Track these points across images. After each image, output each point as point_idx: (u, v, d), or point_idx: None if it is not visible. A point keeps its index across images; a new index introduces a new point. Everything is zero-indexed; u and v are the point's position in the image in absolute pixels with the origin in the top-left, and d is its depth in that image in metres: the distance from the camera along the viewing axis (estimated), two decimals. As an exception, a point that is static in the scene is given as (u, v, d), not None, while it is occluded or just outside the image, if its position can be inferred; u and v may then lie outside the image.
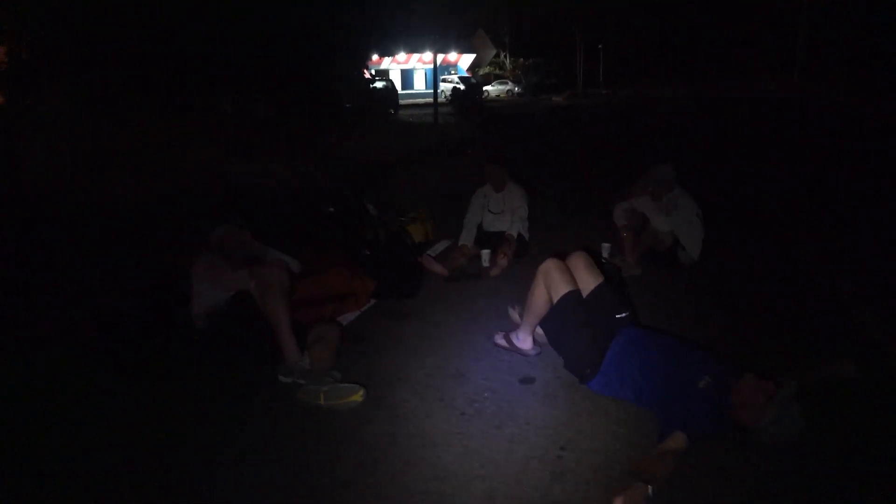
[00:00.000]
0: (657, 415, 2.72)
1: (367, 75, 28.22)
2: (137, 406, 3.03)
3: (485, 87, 38.49)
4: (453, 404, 2.96)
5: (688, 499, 2.32)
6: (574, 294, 3.12)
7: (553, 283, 3.17)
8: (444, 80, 37.31)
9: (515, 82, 43.17)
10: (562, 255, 3.33)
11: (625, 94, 31.98)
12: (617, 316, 3.15)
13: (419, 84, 44.38)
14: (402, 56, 42.46)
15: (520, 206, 5.21)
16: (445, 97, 30.13)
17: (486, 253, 5.00)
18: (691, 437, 2.51)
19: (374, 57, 37.43)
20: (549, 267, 3.22)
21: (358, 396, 2.95)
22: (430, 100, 31.45)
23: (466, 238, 5.18)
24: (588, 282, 3.22)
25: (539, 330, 3.39)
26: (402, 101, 29.86)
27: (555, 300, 3.16)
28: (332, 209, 5.65)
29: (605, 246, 5.00)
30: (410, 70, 44.46)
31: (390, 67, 42.42)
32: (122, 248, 5.50)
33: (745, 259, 5.06)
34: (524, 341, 3.45)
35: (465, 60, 45.77)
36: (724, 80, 41.90)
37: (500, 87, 42.05)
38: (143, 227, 6.45)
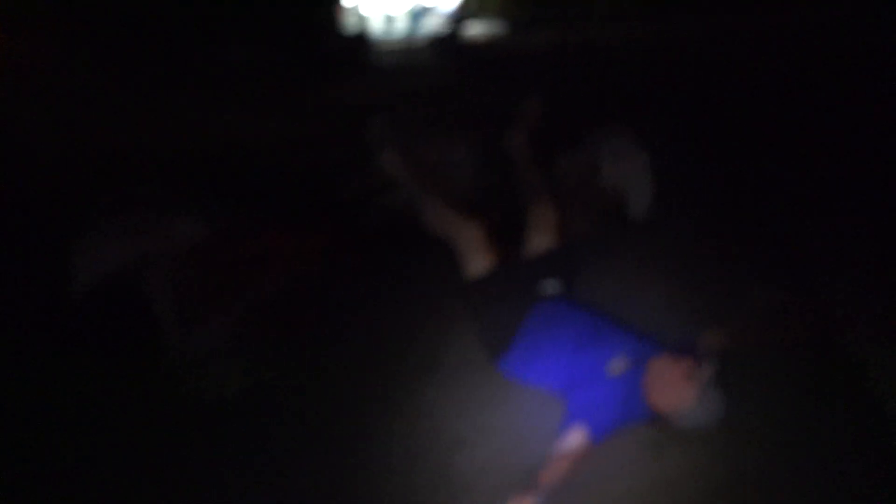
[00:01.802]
0: (564, 405, 2.46)
1: (345, 17, 27.33)
2: None
3: (469, 27, 37.43)
4: (344, 394, 2.69)
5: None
6: (494, 276, 2.78)
7: (468, 253, 2.81)
8: (425, 19, 36.25)
9: (503, 19, 42.00)
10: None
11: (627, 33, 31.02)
12: (547, 287, 2.85)
13: (401, 27, 43.27)
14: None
15: None
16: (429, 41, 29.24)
17: None
18: (593, 432, 2.25)
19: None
20: (469, 231, 2.82)
21: (245, 383, 2.70)
22: (413, 44, 30.67)
23: None
24: (541, 243, 2.96)
25: None
26: (381, 47, 29.04)
27: (468, 273, 2.80)
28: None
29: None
30: (390, 14, 43.28)
31: (368, 12, 41.24)
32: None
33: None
34: None
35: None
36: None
37: (487, 26, 40.95)
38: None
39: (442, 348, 3.01)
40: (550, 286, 2.83)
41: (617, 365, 2.42)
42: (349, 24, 24.74)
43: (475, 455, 2.31)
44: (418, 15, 22.83)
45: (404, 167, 2.85)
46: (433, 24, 33.73)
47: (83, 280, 3.07)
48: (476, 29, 37.65)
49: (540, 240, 2.98)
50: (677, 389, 2.28)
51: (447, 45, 25.78)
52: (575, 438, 2.23)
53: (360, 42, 24.89)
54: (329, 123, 8.00)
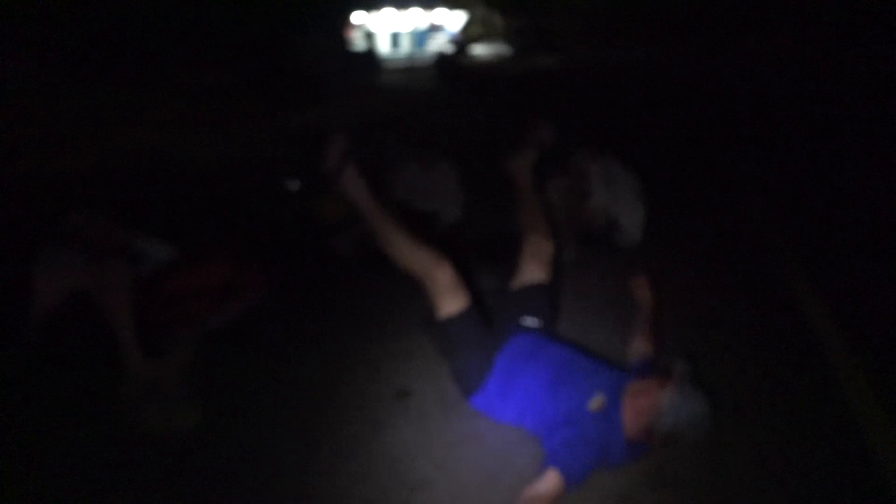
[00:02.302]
0: (541, 444, 2.29)
1: (353, 35, 27.41)
2: None
3: (473, 49, 37.52)
4: (303, 429, 2.51)
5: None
6: (466, 313, 2.56)
7: (441, 294, 2.55)
8: (432, 40, 36.42)
9: (505, 43, 42.01)
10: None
11: (621, 56, 30.70)
12: (525, 321, 2.69)
13: (407, 45, 43.38)
14: (389, 16, 41.34)
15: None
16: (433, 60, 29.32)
17: None
18: (569, 479, 2.08)
19: (360, 18, 36.43)
20: (439, 276, 2.54)
21: (191, 417, 2.52)
22: (419, 63, 30.76)
23: None
24: (532, 274, 2.80)
25: None
26: (388, 66, 29.05)
27: (441, 315, 2.57)
28: (253, 185, 5.16)
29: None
30: (398, 32, 43.40)
31: (377, 30, 41.36)
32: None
33: (701, 247, 4.46)
34: None
35: (457, 21, 44.61)
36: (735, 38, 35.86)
37: (489, 49, 40.96)
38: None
39: (409, 382, 2.83)
40: (530, 320, 2.68)
41: (596, 402, 2.26)
42: (357, 42, 24.79)
43: (436, 497, 2.12)
44: (423, 35, 22.93)
45: (365, 192, 2.64)
46: (438, 45, 33.90)
47: (36, 306, 2.93)
48: (479, 51, 37.73)
49: (530, 271, 2.82)
50: (649, 409, 2.15)
51: (450, 65, 25.88)
52: (549, 482, 2.06)
53: (368, 59, 24.97)
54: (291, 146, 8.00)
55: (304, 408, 2.65)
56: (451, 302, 2.55)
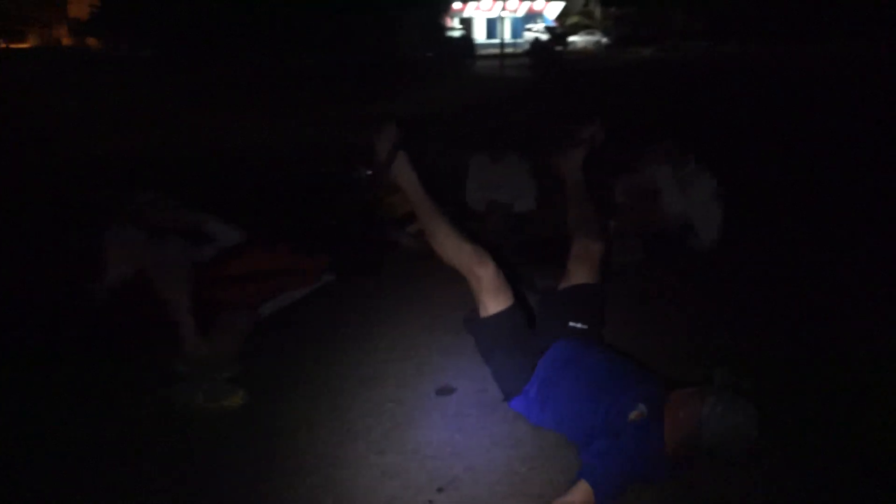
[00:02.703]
0: (578, 452, 2.23)
1: (449, 23, 27.46)
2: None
3: (570, 38, 36.82)
4: (345, 417, 2.54)
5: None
6: (507, 313, 2.53)
7: (485, 293, 2.53)
8: (528, 30, 36.05)
9: (604, 33, 41.03)
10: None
11: (728, 51, 29.22)
12: (571, 324, 2.62)
13: (505, 33, 43.11)
14: (486, 3, 41.16)
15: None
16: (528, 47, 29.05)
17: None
18: (600, 493, 2.01)
19: (458, 4, 36.50)
20: (482, 275, 2.50)
21: (237, 399, 2.60)
22: (515, 50, 30.53)
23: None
24: (580, 276, 2.71)
25: None
26: (484, 52, 28.98)
27: (485, 313, 2.55)
28: (326, 171, 5.25)
29: (610, 225, 4.38)
30: (495, 18, 43.16)
31: (474, 15, 41.29)
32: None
33: (779, 258, 4.17)
34: None
35: (553, 9, 43.96)
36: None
37: (587, 38, 40.02)
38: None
39: (453, 380, 2.81)
40: (576, 324, 2.61)
41: (637, 413, 2.17)
42: (454, 29, 24.85)
43: (462, 499, 2.09)
44: (520, 22, 22.75)
45: (415, 183, 2.63)
46: (534, 33, 33.57)
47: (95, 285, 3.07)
48: (576, 40, 36.94)
49: (577, 273, 2.74)
50: (686, 424, 2.04)
51: (544, 53, 25.53)
52: (579, 494, 2.00)
53: (463, 46, 25.02)
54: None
55: (345, 398, 2.68)
56: (493, 301, 2.51)
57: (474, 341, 2.71)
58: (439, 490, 2.13)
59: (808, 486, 2.10)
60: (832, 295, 3.52)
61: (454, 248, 2.55)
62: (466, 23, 34.79)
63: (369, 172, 4.96)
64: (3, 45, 21.39)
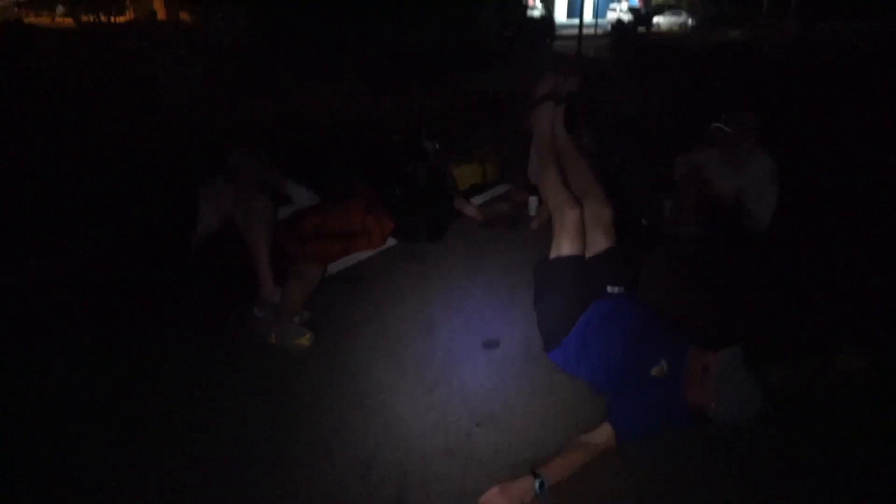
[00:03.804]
0: (606, 401, 2.45)
1: (531, 2, 27.28)
2: (104, 338, 3.10)
3: (654, 18, 35.92)
4: (400, 359, 2.84)
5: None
6: (575, 260, 2.79)
7: (565, 233, 2.81)
8: (611, 10, 35.37)
9: (690, 13, 39.79)
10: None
11: (822, 31, 27.78)
12: (608, 288, 2.83)
13: (587, 13, 42.38)
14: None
15: None
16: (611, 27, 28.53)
17: (533, 200, 4.68)
18: (621, 433, 2.23)
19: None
20: (569, 215, 2.81)
21: (305, 340, 2.92)
22: (594, 31, 30.03)
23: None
24: (599, 242, 2.88)
25: None
26: (563, 32, 28.68)
27: (557, 253, 2.82)
28: (397, 138, 5.53)
29: (667, 202, 4.51)
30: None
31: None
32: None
33: (836, 247, 4.17)
34: None
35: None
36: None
37: (672, 19, 38.89)
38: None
39: (500, 333, 3.07)
40: (612, 288, 2.80)
41: (659, 369, 2.37)
42: (535, 8, 24.60)
43: (497, 431, 2.35)
44: (603, 2, 22.39)
45: (547, 126, 3.13)
46: (618, 12, 32.70)
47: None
48: (661, 20, 35.87)
49: (596, 239, 2.90)
50: (700, 382, 2.24)
51: (627, 34, 25.04)
52: (602, 434, 2.23)
53: (544, 26, 24.79)
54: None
55: (401, 344, 2.98)
56: (569, 243, 2.79)
57: (533, 288, 2.93)
58: (478, 424, 2.40)
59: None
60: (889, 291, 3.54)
61: (555, 188, 2.93)
62: (548, 1, 34.36)
63: (437, 145, 5.24)
64: (105, 19, 22.48)
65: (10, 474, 2.16)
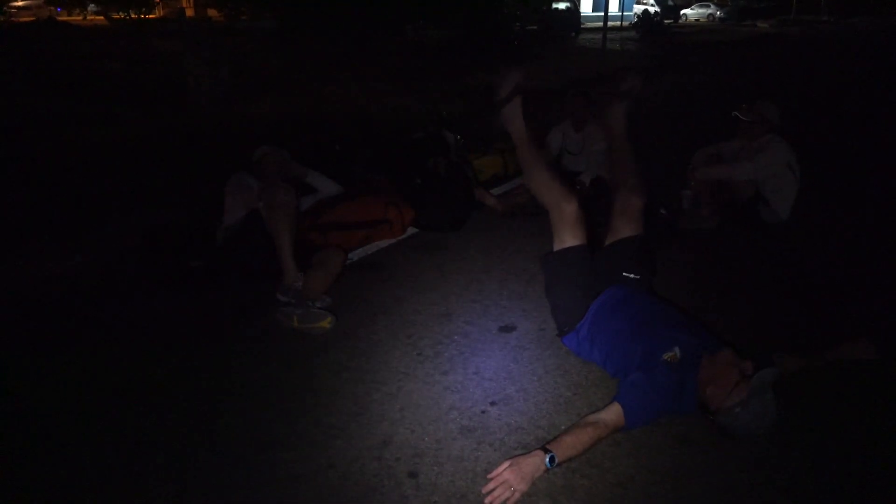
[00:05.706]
0: (618, 384, 2.49)
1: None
2: (136, 323, 3.21)
3: (682, 11, 35.53)
4: (417, 344, 2.91)
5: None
6: (581, 249, 2.84)
7: (565, 226, 2.85)
8: (638, 2, 35.02)
9: (719, 5, 39.29)
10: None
11: (852, 23, 27.18)
12: (624, 274, 2.87)
13: (613, 6, 41.99)
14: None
15: (598, 151, 4.84)
16: (637, 18, 28.32)
17: (686, 194, 4.65)
18: (630, 416, 2.27)
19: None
20: (566, 209, 2.83)
21: (326, 323, 3.01)
22: (620, 23, 29.78)
23: None
24: (623, 229, 2.93)
25: None
26: (588, 25, 28.52)
27: (561, 245, 2.87)
28: (419, 135, 5.60)
29: (685, 193, 4.52)
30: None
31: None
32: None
33: (854, 234, 4.22)
34: None
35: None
36: None
37: (700, 11, 38.43)
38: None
39: (515, 319, 3.13)
40: (628, 275, 2.84)
41: (671, 355, 2.41)
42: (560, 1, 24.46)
43: (510, 411, 2.41)
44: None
45: (521, 122, 3.02)
46: (644, 4, 32.32)
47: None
48: (688, 12, 35.40)
49: (620, 227, 2.95)
50: (730, 385, 2.25)
51: (653, 26, 24.84)
52: (611, 413, 2.26)
53: (569, 18, 24.67)
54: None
55: (418, 329, 3.05)
56: (570, 236, 2.82)
57: (544, 279, 2.99)
58: (492, 403, 2.47)
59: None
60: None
61: (546, 184, 2.91)
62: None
63: (457, 137, 5.30)
64: (135, 16, 22.85)
65: (66, 448, 2.27)
